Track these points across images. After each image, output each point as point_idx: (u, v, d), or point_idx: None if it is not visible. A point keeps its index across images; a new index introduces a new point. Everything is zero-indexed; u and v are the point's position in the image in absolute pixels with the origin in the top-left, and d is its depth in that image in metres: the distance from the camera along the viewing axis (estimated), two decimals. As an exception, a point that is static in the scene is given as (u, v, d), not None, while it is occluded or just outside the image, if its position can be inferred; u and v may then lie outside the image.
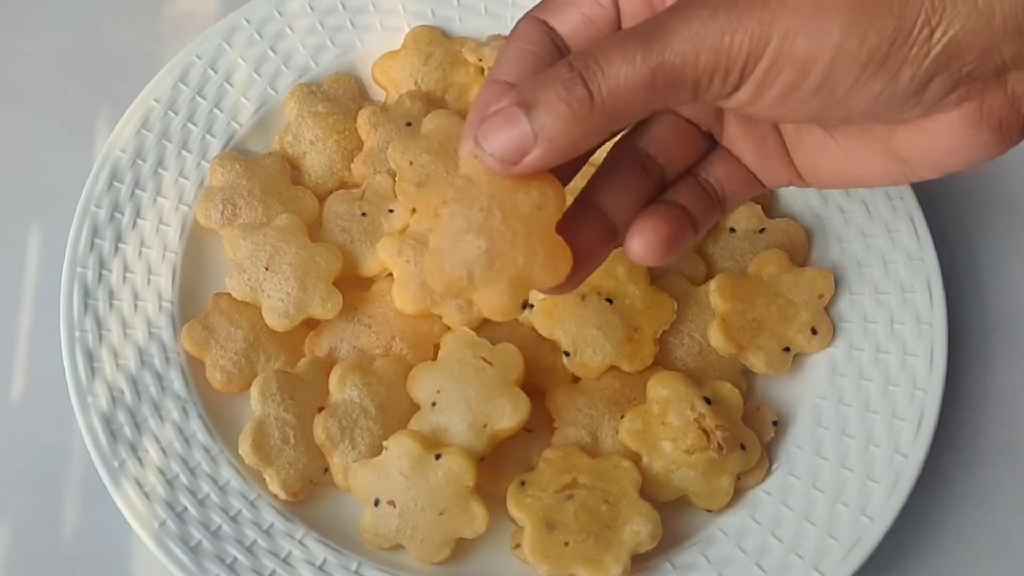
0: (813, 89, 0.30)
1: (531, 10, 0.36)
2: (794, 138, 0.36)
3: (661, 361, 0.49)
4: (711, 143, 0.38)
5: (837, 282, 0.50)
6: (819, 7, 0.29)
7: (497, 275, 0.31)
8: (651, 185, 0.36)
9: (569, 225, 0.33)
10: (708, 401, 0.46)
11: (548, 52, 0.34)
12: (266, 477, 0.46)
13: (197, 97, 0.54)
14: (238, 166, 0.52)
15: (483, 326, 0.49)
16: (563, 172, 0.35)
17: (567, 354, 0.48)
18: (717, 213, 0.37)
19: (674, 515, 0.47)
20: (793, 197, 0.53)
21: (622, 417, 0.47)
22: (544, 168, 0.31)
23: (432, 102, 0.54)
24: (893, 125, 0.32)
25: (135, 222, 0.51)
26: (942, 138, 0.32)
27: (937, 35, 0.29)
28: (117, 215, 0.51)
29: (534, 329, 0.48)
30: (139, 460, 0.46)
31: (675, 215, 0.35)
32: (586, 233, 0.34)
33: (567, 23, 0.35)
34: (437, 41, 0.55)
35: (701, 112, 0.37)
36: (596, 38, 0.35)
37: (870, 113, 0.31)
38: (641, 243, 0.34)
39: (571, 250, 0.32)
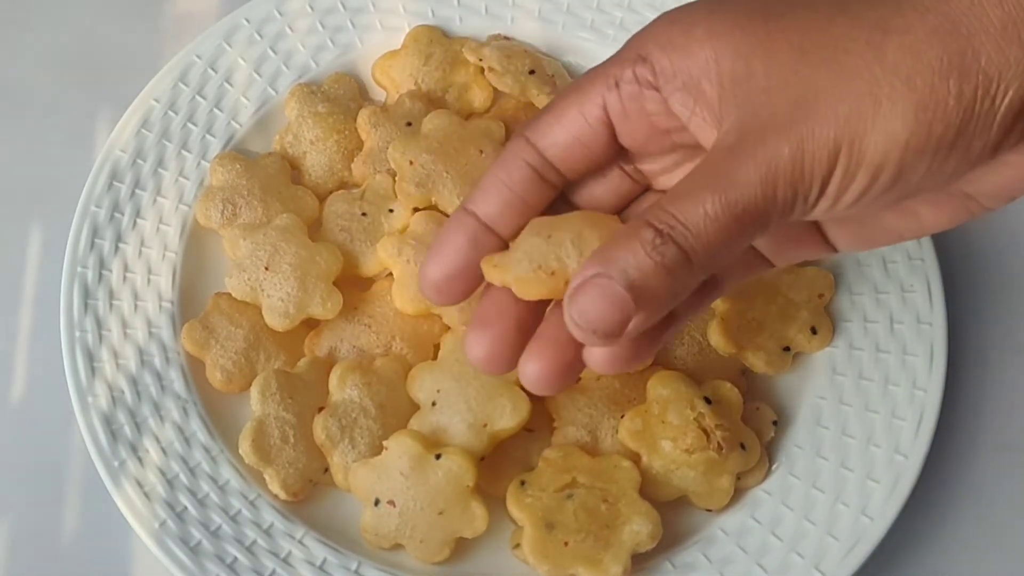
0: (887, 186, 0.29)
1: (521, 128, 0.35)
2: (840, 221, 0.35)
3: (661, 361, 0.49)
4: None
5: (837, 282, 0.50)
6: (878, 106, 0.28)
7: None
8: None
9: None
10: (708, 401, 0.46)
11: (524, 186, 0.34)
12: (266, 477, 0.46)
13: (197, 97, 0.54)
14: (238, 166, 0.52)
15: (483, 326, 0.49)
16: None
17: (567, 354, 0.48)
18: (712, 295, 0.36)
19: (674, 515, 0.47)
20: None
21: (622, 417, 0.47)
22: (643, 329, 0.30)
23: (432, 102, 0.54)
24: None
25: (135, 222, 0.51)
26: (1013, 172, 0.31)
27: (999, 101, 0.28)
28: (117, 215, 0.51)
29: (534, 329, 0.48)
30: (139, 460, 0.46)
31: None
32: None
33: (555, 145, 0.34)
34: (437, 41, 0.55)
35: None
36: (587, 158, 0.34)
37: (945, 183, 0.30)
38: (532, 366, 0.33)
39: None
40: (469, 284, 0.34)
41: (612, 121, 0.34)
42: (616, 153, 0.35)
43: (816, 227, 0.35)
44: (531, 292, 0.32)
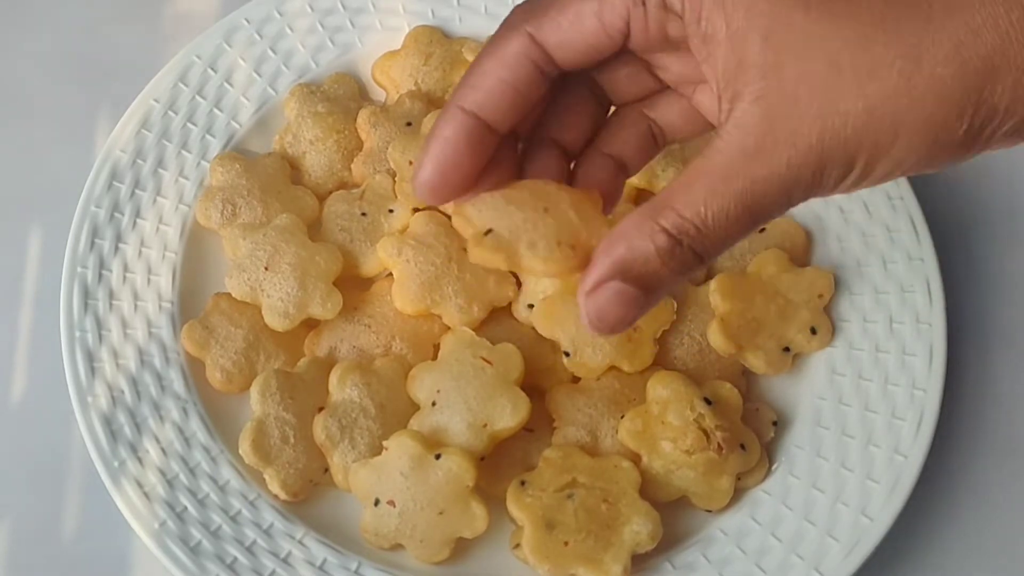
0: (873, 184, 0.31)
1: (520, 19, 0.33)
2: None
3: (661, 361, 0.49)
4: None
5: (837, 282, 0.50)
6: (896, 138, 0.29)
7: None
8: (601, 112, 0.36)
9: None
10: (708, 401, 0.46)
11: (525, 83, 0.32)
12: (266, 477, 0.46)
13: (197, 97, 0.54)
14: (238, 166, 0.52)
15: (483, 326, 0.49)
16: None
17: (567, 354, 0.48)
18: (655, 149, 0.37)
19: (674, 515, 0.47)
20: (793, 197, 0.53)
21: (622, 417, 0.47)
22: None
23: (432, 102, 0.54)
24: None
25: (135, 222, 0.51)
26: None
27: (999, 131, 0.29)
28: (117, 215, 0.51)
29: (534, 329, 0.48)
30: (139, 460, 0.46)
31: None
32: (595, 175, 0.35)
33: (564, 46, 0.32)
34: (437, 41, 0.55)
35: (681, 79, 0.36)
36: (593, 60, 0.33)
37: None
38: None
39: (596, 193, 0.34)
40: (464, 180, 0.33)
41: (631, 35, 0.33)
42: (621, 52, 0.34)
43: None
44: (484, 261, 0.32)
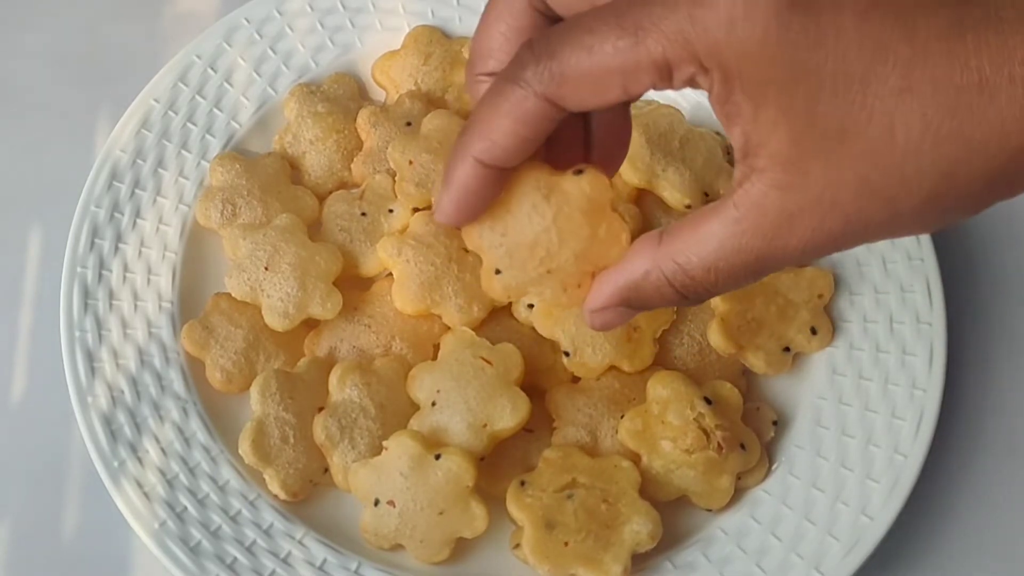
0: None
1: (531, 62, 0.31)
2: None
3: (661, 361, 0.49)
4: None
5: (837, 282, 0.50)
6: (898, 218, 0.29)
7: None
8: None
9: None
10: (708, 401, 0.46)
11: (543, 135, 0.31)
12: (266, 477, 0.46)
13: (197, 97, 0.54)
14: (238, 166, 0.52)
15: (483, 326, 0.49)
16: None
17: (567, 354, 0.48)
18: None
19: (674, 515, 0.47)
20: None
21: (622, 417, 0.47)
22: None
23: (432, 102, 0.54)
24: None
25: (135, 222, 0.51)
26: None
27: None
28: (117, 215, 0.51)
29: (534, 329, 0.48)
30: (139, 460, 0.46)
31: None
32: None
33: (579, 103, 0.31)
34: (437, 41, 0.55)
35: None
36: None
37: None
38: None
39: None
40: (482, 210, 0.34)
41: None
42: None
43: None
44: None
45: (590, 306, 0.34)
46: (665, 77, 0.30)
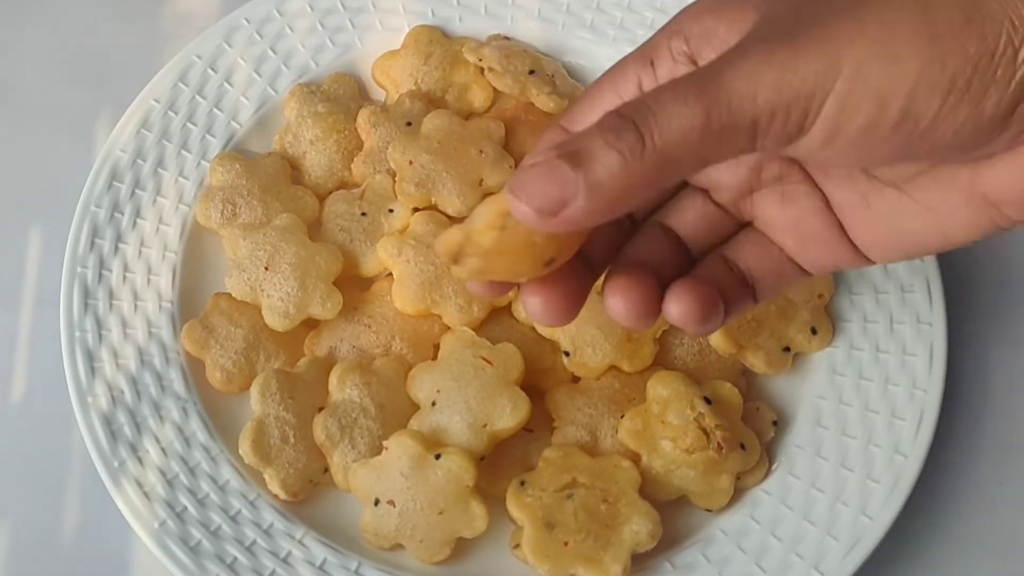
0: (894, 124, 0.27)
1: (555, 119, 0.33)
2: (858, 212, 0.33)
3: (661, 361, 0.49)
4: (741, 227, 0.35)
5: (837, 282, 0.50)
6: (891, 35, 0.27)
7: None
8: (676, 255, 0.34)
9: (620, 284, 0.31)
10: (708, 401, 0.46)
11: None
12: (266, 477, 0.46)
13: (197, 97, 0.54)
14: (238, 166, 0.52)
15: (483, 326, 0.49)
16: (604, 241, 0.33)
17: (567, 354, 0.48)
18: (748, 299, 0.34)
19: (674, 515, 0.47)
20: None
21: (622, 417, 0.47)
22: (587, 224, 0.27)
23: (432, 102, 0.54)
24: (978, 166, 0.30)
25: (135, 222, 0.51)
26: None
27: (1022, 55, 0.27)
28: (117, 215, 0.51)
29: (534, 329, 0.49)
30: (139, 460, 0.46)
31: (708, 288, 0.32)
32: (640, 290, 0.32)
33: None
34: (437, 41, 0.55)
35: (733, 192, 0.34)
36: None
37: (954, 145, 0.28)
38: (679, 307, 0.32)
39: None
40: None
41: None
42: None
43: (841, 229, 0.34)
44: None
45: (526, 160, 0.28)
46: (646, 64, 0.32)
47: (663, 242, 0.34)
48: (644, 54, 0.32)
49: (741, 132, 0.27)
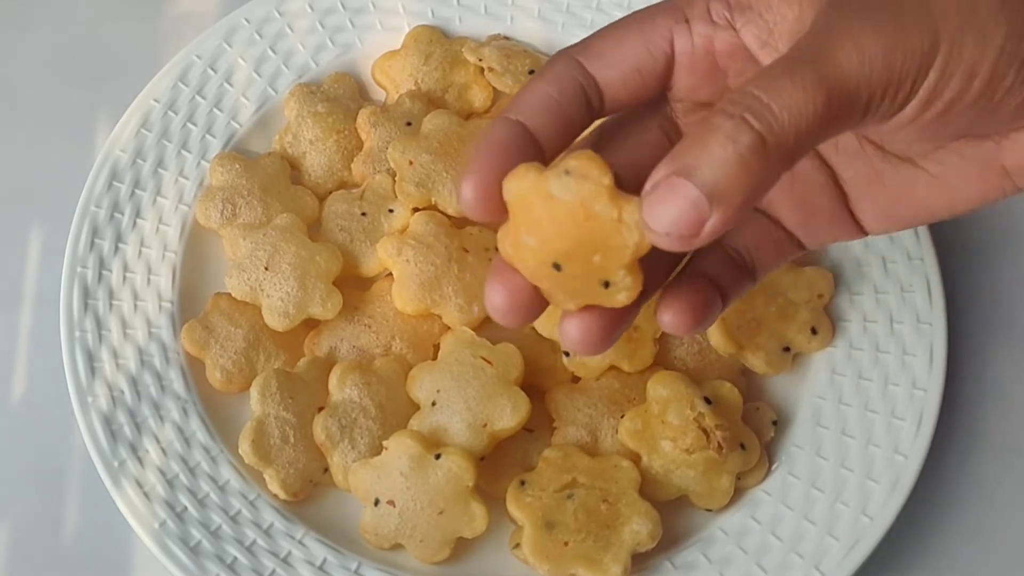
0: (976, 96, 0.27)
1: (570, 49, 0.32)
2: (869, 187, 0.33)
3: (661, 361, 0.49)
4: None
5: (837, 282, 0.50)
6: (976, 6, 0.27)
7: None
8: None
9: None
10: (708, 401, 0.46)
11: (574, 105, 0.31)
12: (266, 477, 0.46)
13: (197, 97, 0.54)
14: (238, 166, 0.52)
15: (483, 326, 0.49)
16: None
17: (567, 354, 0.48)
18: (747, 282, 0.34)
19: (674, 515, 0.47)
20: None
21: (622, 417, 0.47)
22: (722, 233, 0.26)
23: (432, 102, 0.54)
24: (1002, 138, 0.30)
25: (135, 222, 0.51)
26: None
27: None
28: (117, 215, 0.51)
29: (534, 329, 0.48)
30: (139, 460, 0.46)
31: (701, 287, 0.32)
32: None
33: (610, 69, 0.31)
34: (437, 41, 0.55)
35: None
36: (637, 92, 0.32)
37: (1006, 119, 0.29)
38: (671, 315, 0.31)
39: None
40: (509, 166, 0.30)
41: (676, 57, 0.31)
42: (660, 98, 0.33)
43: (844, 203, 0.34)
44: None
45: (648, 184, 0.26)
46: (680, 20, 0.30)
47: None
48: (676, 8, 0.31)
49: (857, 113, 0.27)
